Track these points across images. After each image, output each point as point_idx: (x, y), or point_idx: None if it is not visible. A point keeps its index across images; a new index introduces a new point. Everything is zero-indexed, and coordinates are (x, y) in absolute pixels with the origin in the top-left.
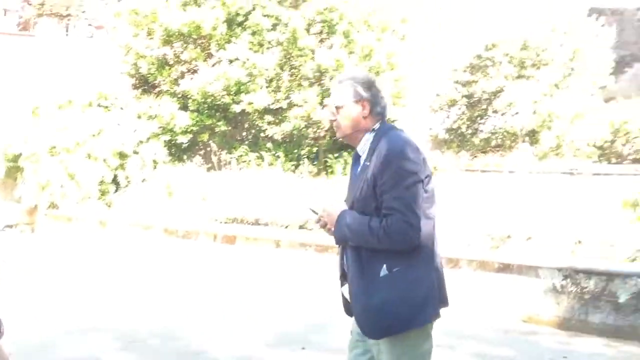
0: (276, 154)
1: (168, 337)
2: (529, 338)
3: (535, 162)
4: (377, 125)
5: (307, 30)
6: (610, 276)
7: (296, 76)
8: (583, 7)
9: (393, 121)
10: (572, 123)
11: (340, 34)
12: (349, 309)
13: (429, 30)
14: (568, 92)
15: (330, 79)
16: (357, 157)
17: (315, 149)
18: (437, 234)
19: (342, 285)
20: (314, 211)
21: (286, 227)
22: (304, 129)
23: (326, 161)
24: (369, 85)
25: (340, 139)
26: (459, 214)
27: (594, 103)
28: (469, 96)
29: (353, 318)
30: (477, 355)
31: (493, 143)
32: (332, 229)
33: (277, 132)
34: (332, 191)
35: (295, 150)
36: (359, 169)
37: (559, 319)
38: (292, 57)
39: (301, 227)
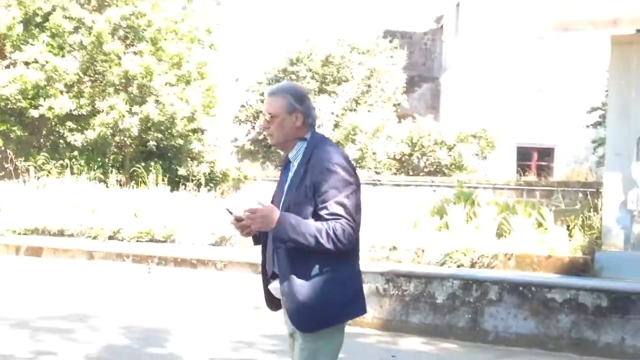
0: (79, 162)
1: None
2: (357, 340)
3: None
4: (308, 135)
5: (112, 35)
6: (428, 279)
7: (101, 82)
8: (379, 29)
9: (203, 131)
10: (374, 137)
11: (148, 41)
12: (272, 304)
13: (236, 42)
14: (367, 107)
15: (138, 87)
16: (287, 163)
17: (120, 158)
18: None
19: (267, 284)
20: (229, 211)
21: (94, 237)
22: (110, 137)
23: (135, 170)
24: (303, 98)
25: (274, 146)
26: None
27: (390, 119)
28: None
29: (286, 321)
30: None
31: None
32: (268, 228)
33: (79, 139)
34: (143, 201)
35: (99, 159)
36: (291, 174)
37: (382, 320)
38: (97, 62)
39: (111, 237)
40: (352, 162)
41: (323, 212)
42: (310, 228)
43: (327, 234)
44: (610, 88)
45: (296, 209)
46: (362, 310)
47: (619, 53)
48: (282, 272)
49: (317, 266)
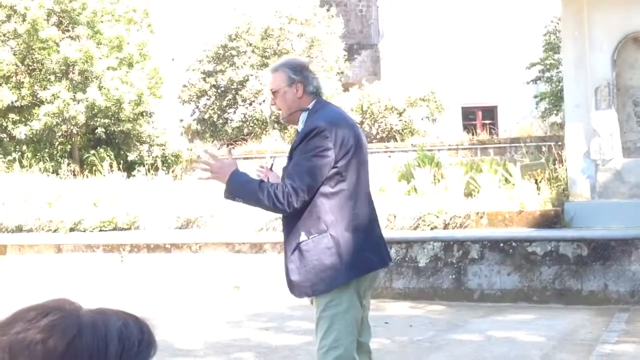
0: (25, 155)
1: None
2: None
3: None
4: (311, 105)
5: (47, 20)
6: (409, 243)
7: (40, 70)
8: None
9: (150, 113)
10: None
11: (85, 25)
12: None
13: (170, 21)
14: None
15: (79, 73)
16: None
17: (68, 147)
18: (364, 205)
19: None
20: (205, 151)
21: (54, 231)
22: (56, 127)
23: (87, 159)
24: (300, 68)
25: (283, 122)
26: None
27: (337, 88)
28: (217, 86)
29: None
30: (305, 332)
31: (246, 131)
32: (221, 181)
33: (24, 131)
34: (100, 189)
35: (47, 150)
36: None
37: None
38: (34, 50)
39: (72, 229)
40: (338, 128)
41: None
42: (254, 187)
43: (268, 192)
44: (564, 41)
45: (283, 173)
46: (349, 277)
47: (569, 4)
48: (283, 240)
49: (302, 233)
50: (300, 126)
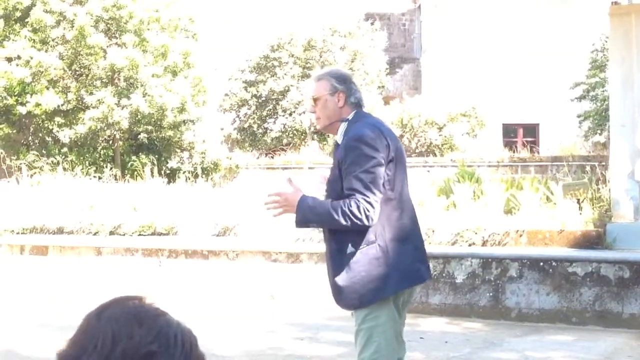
0: (69, 158)
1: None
2: None
3: (328, 158)
4: (351, 115)
5: (95, 27)
6: (447, 259)
7: (86, 76)
8: (359, 11)
9: (192, 121)
10: None
11: (131, 33)
12: None
13: (213, 30)
14: None
15: (125, 79)
16: (336, 146)
17: (111, 152)
18: (409, 215)
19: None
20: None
21: (95, 234)
22: (100, 131)
23: (130, 164)
24: (344, 79)
25: (321, 130)
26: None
27: (378, 101)
28: (258, 96)
29: None
30: (340, 343)
31: (285, 141)
32: (292, 212)
33: (69, 134)
34: (141, 194)
35: (89, 155)
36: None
37: None
38: (81, 55)
39: (112, 232)
40: (382, 136)
41: (345, 188)
42: (326, 208)
43: (342, 211)
44: (612, 60)
45: (330, 187)
46: (394, 290)
47: (618, 24)
48: (326, 251)
49: (349, 244)
50: (339, 137)
